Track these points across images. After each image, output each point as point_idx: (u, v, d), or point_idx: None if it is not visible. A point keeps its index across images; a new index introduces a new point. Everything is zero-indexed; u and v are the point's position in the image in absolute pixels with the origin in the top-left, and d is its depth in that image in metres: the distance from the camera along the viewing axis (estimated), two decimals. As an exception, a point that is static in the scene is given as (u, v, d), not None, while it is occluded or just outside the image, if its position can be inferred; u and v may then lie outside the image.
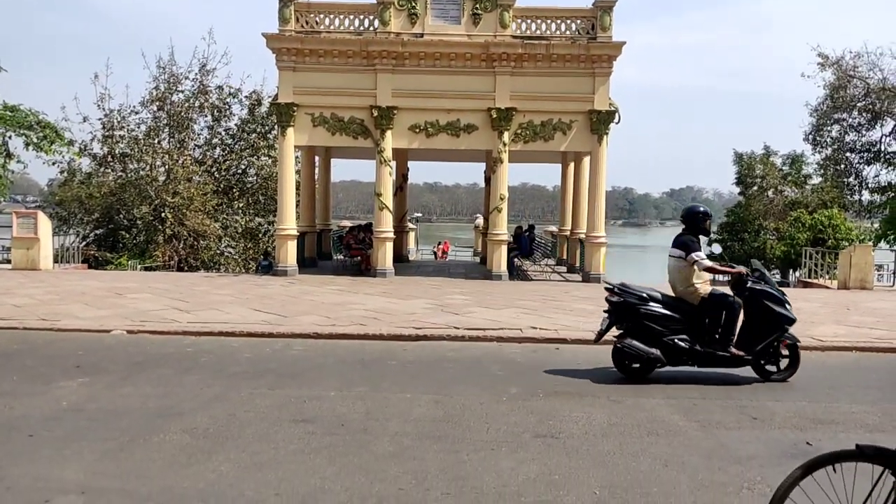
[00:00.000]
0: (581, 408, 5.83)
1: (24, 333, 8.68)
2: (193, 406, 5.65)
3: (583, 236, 18.07)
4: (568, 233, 21.16)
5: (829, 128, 34.06)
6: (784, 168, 34.43)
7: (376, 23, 16.41)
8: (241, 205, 26.47)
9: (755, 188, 34.14)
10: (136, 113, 25.34)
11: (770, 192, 33.79)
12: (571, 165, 21.54)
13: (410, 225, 27.66)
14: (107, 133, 24.86)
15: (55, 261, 17.77)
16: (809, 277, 20.05)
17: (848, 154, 34.24)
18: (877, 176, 32.52)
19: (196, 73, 25.92)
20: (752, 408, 5.94)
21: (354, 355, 7.90)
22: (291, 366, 7.31)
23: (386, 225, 16.84)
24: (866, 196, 33.48)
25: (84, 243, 24.01)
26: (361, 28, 16.57)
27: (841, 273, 16.91)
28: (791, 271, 28.61)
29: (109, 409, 5.51)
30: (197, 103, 25.84)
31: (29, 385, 6.19)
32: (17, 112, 18.38)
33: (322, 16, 16.61)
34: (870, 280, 16.56)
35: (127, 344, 8.32)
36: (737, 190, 36.71)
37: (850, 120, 33.32)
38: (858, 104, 31.76)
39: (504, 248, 17.09)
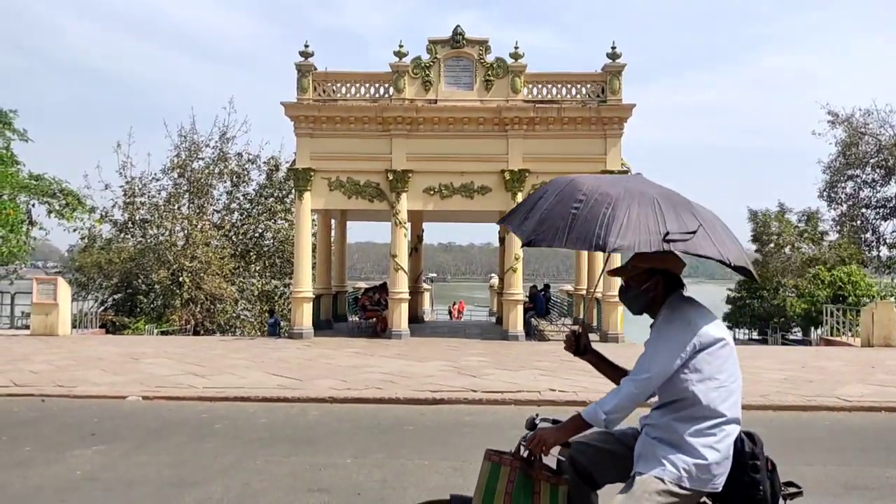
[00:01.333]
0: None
1: (41, 400, 8.66)
2: (208, 475, 5.56)
3: (599, 295, 17.96)
4: (584, 292, 21.05)
5: (843, 184, 34.06)
6: (800, 225, 34.27)
7: (391, 90, 16.87)
8: (257, 268, 26.72)
9: (772, 245, 33.92)
10: (157, 180, 25.95)
11: (787, 249, 33.54)
12: (585, 225, 21.55)
13: (425, 285, 27.68)
14: (128, 200, 25.39)
15: (73, 326, 17.89)
16: (832, 335, 19.68)
17: (863, 210, 34.09)
18: (894, 231, 32.32)
19: (216, 141, 26.66)
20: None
21: (371, 420, 7.78)
22: (307, 431, 7.20)
23: (401, 286, 16.87)
24: (885, 251, 33.16)
25: (102, 308, 24.23)
26: (377, 95, 17.04)
27: (864, 330, 16.59)
28: (812, 329, 28.11)
29: (124, 479, 5.42)
30: (217, 170, 26.45)
31: (44, 453, 6.14)
32: (41, 180, 18.92)
33: (339, 84, 17.12)
34: (894, 337, 16.21)
35: (143, 410, 8.27)
36: (752, 247, 36.52)
37: (864, 176, 33.34)
38: (871, 160, 31.85)
39: (520, 308, 17.00)
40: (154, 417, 7.81)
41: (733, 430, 2.51)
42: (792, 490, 2.61)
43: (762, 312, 32.13)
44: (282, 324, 21.72)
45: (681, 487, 2.43)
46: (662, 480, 2.43)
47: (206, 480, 5.41)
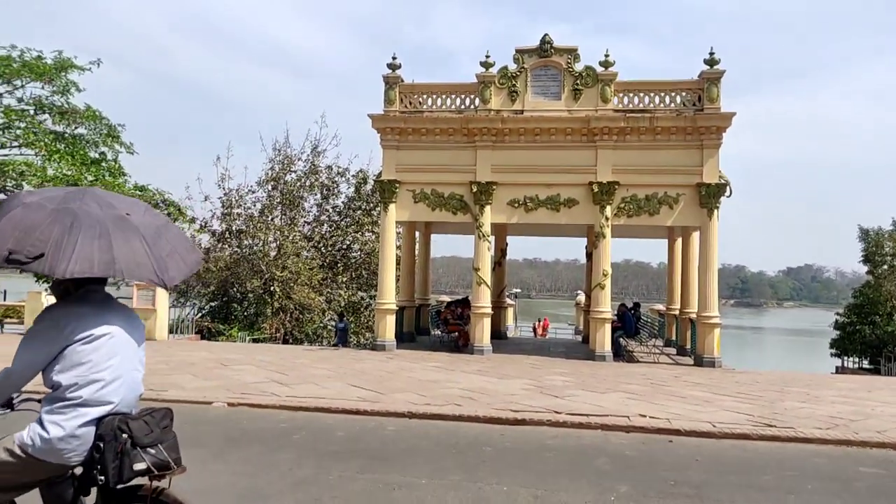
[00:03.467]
0: (701, 513, 5.13)
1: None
2: (280, 488, 5.44)
3: (693, 316, 17.00)
4: (677, 312, 20.03)
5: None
6: (918, 245, 31.47)
7: (477, 101, 16.71)
8: (344, 279, 27.16)
9: (885, 267, 31.29)
10: (253, 192, 26.96)
11: (903, 271, 30.84)
12: (679, 241, 20.62)
13: (509, 301, 27.24)
14: (225, 211, 26.49)
15: (171, 331, 18.67)
16: (960, 366, 17.76)
17: None
18: None
19: (308, 154, 27.45)
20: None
21: (449, 438, 7.51)
22: (383, 447, 7.01)
23: (484, 300, 16.58)
24: None
25: (199, 315, 25.27)
26: (462, 107, 16.92)
27: None
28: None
29: (198, 488, 5.38)
30: (308, 182, 27.20)
31: (127, 457, 6.22)
32: (145, 192, 19.92)
33: (424, 96, 17.13)
34: None
35: (226, 417, 8.35)
36: (861, 269, 33.87)
37: None
38: None
39: (608, 327, 16.30)
40: (235, 426, 7.85)
41: (90, 412, 2.76)
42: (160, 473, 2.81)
43: (874, 339, 29.62)
44: (350, 329, 21.81)
45: (24, 452, 2.74)
46: (13, 442, 2.78)
47: (278, 494, 5.29)
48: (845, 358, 31.62)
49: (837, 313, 33.94)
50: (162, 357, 13.50)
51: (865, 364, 30.21)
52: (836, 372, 28.42)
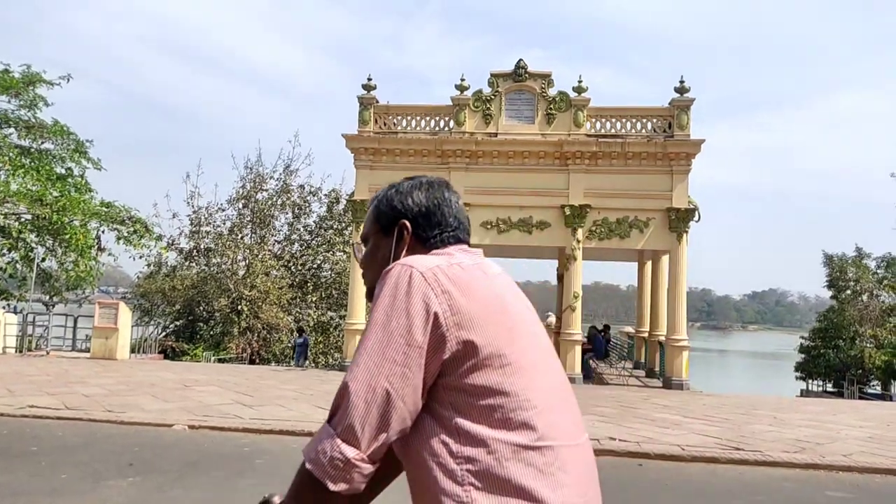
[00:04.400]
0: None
1: (88, 425, 8.59)
2: (241, 515, 5.24)
3: (662, 339, 17.11)
4: (646, 334, 20.16)
5: (926, 229, 32.03)
6: (879, 272, 32.28)
7: (451, 123, 16.77)
8: (314, 299, 26.85)
9: (848, 292, 32.02)
10: (223, 210, 26.65)
11: (865, 297, 31.59)
12: (649, 264, 20.83)
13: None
14: (194, 228, 26.09)
15: (133, 351, 18.18)
16: (920, 391, 18.14)
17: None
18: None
19: (280, 173, 27.25)
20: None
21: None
22: (350, 472, 6.82)
23: (455, 322, 16.46)
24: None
25: (164, 334, 24.71)
26: (437, 129, 16.96)
27: (959, 387, 15.17)
28: (894, 383, 26.19)
29: (154, 515, 5.16)
30: (279, 201, 26.96)
31: (79, 482, 5.96)
32: (111, 207, 19.52)
33: (399, 117, 17.14)
34: None
35: (186, 440, 8.08)
36: (825, 293, 34.60)
37: (951, 222, 31.29)
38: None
39: (578, 349, 16.32)
40: (195, 449, 7.59)
41: None
42: None
43: (837, 363, 30.21)
44: (310, 344, 21.39)
45: None
46: None
47: (238, 521, 5.09)
48: (810, 381, 32.15)
49: (802, 337, 34.58)
50: (122, 377, 13.10)
51: (829, 387, 30.73)
52: (801, 394, 28.86)
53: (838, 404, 15.79)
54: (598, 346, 18.40)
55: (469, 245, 1.47)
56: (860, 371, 28.60)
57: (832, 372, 30.59)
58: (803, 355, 32.67)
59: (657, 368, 17.64)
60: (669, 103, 16.30)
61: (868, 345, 29.18)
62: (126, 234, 19.68)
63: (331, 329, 26.86)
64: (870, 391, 27.34)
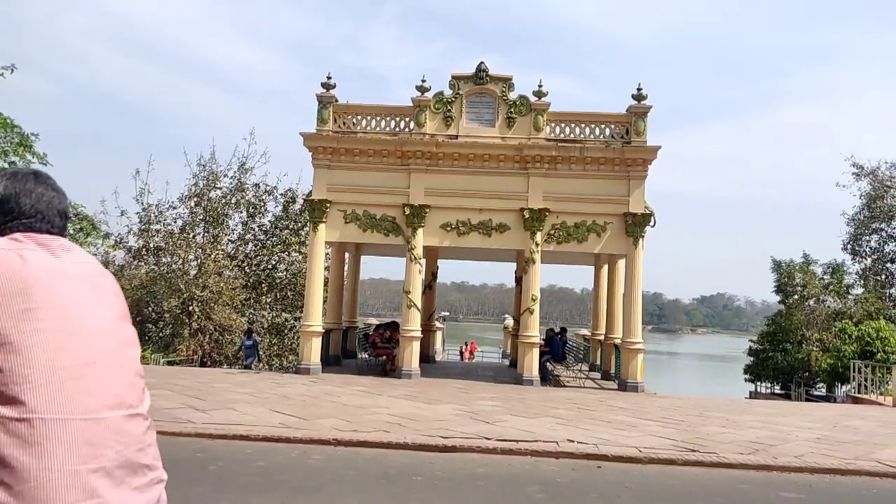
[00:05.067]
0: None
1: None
2: (194, 524, 5.03)
3: (618, 341, 17.33)
4: (602, 337, 20.40)
5: (867, 237, 33.35)
6: (825, 277, 33.42)
7: (412, 124, 16.66)
8: (269, 300, 26.35)
9: (796, 297, 33.04)
10: (174, 208, 25.86)
11: (811, 302, 32.65)
12: (605, 268, 21.10)
13: (438, 324, 27.10)
14: (143, 227, 25.28)
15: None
16: (859, 392, 18.81)
17: (889, 265, 33.27)
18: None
19: (235, 171, 26.63)
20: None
21: (377, 467, 7.22)
22: (308, 478, 6.66)
23: (414, 323, 16.37)
24: (911, 308, 32.17)
25: (110, 335, 23.86)
26: (397, 129, 16.83)
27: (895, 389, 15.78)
28: (838, 385, 27.11)
29: (101, 525, 4.91)
30: (233, 200, 26.36)
31: None
32: (57, 204, 18.72)
33: (359, 117, 16.94)
34: (931, 398, 15.39)
35: (135, 445, 7.77)
36: (771, 299, 35.65)
37: (890, 230, 32.63)
38: (897, 214, 31.16)
39: (536, 352, 16.39)
40: (145, 454, 7.30)
41: None
42: None
43: (785, 366, 31.11)
44: (259, 345, 20.87)
45: None
46: None
47: (191, 531, 4.88)
48: (758, 383, 33.04)
49: (751, 340, 35.49)
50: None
51: (777, 389, 31.64)
52: (750, 396, 29.65)
53: (787, 406, 16.25)
54: (555, 348, 18.51)
55: (59, 235, 1.59)
56: (807, 374, 29.52)
57: (780, 374, 31.50)
58: (752, 358, 33.56)
59: (613, 371, 17.84)
60: (627, 110, 16.52)
61: (814, 348, 30.15)
62: (72, 232, 18.93)
63: (286, 331, 26.40)
64: (816, 393, 28.23)
